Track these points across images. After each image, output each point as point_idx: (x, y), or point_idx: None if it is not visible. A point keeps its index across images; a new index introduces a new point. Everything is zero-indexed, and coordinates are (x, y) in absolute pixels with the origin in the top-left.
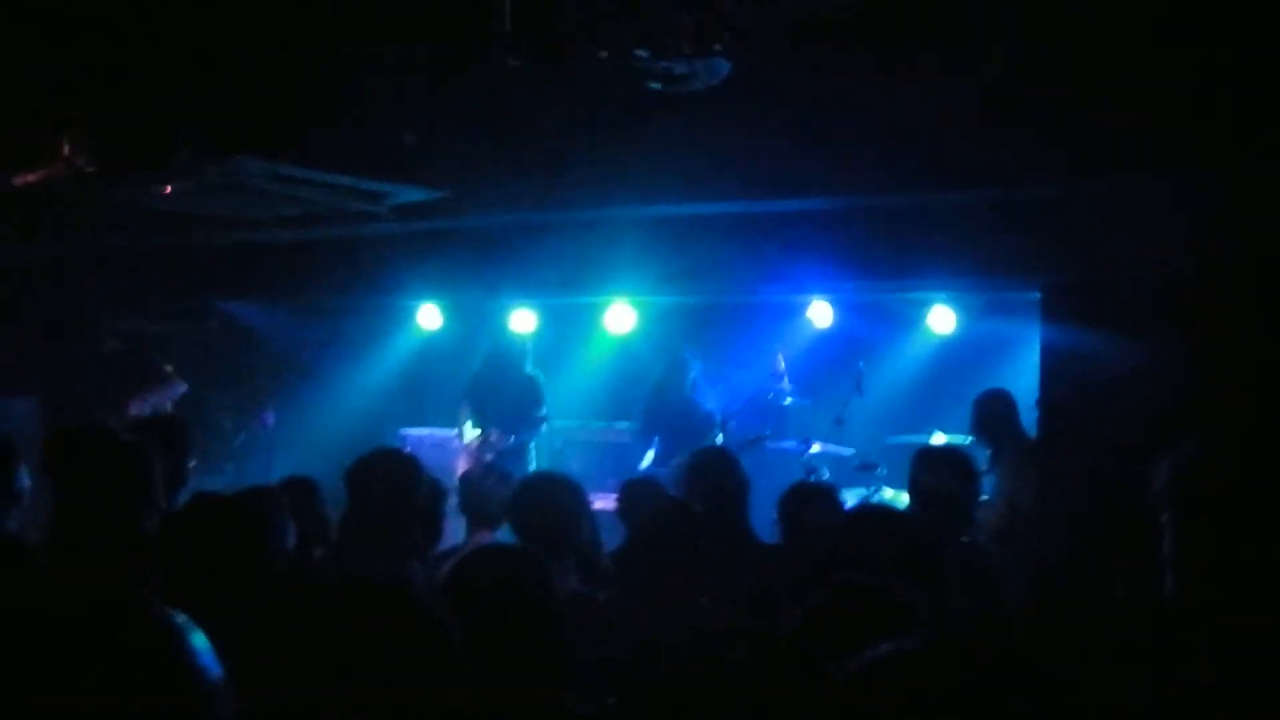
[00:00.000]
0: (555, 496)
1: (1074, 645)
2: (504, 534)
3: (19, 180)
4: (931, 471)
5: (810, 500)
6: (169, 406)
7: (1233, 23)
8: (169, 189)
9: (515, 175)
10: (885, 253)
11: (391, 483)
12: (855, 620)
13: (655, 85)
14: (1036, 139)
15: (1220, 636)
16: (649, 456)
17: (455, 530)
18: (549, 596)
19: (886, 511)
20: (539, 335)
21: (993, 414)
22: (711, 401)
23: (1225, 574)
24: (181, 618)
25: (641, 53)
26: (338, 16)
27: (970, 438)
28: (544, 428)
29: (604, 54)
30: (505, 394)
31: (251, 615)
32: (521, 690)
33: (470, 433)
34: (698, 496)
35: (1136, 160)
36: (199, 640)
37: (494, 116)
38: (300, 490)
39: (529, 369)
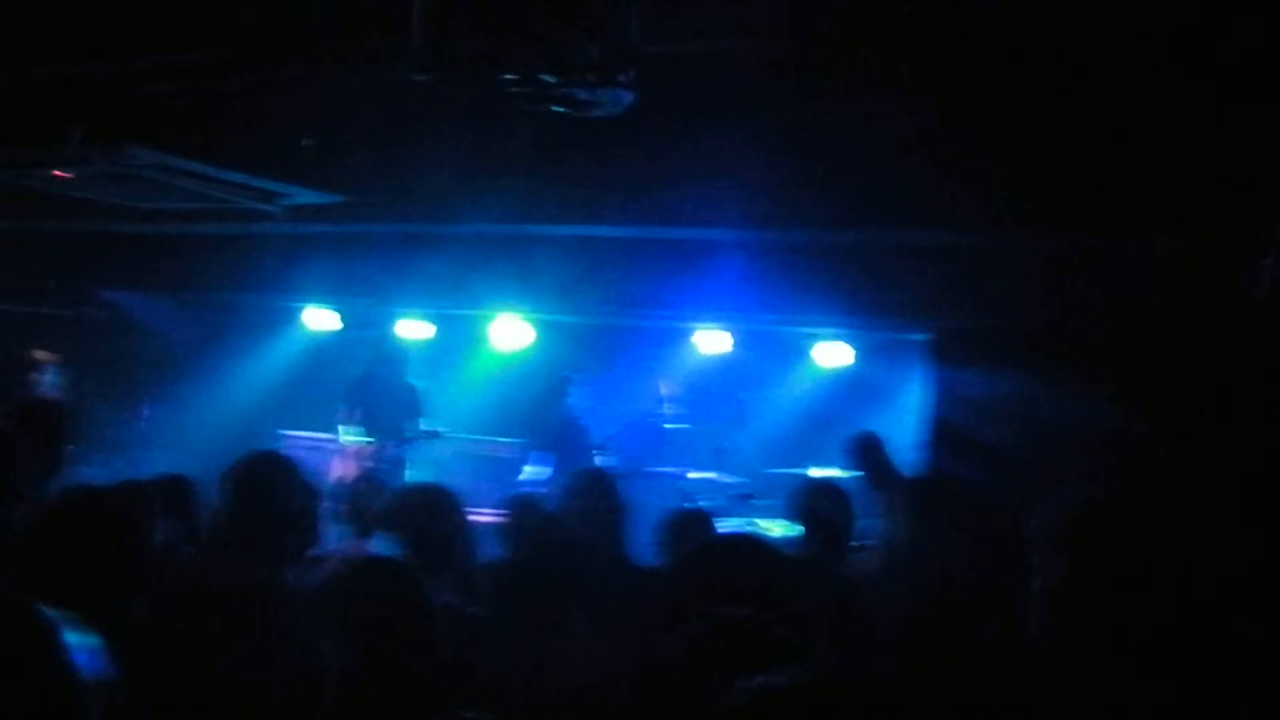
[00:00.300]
0: (434, 508)
1: (943, 689)
2: (377, 542)
3: None
4: (823, 501)
5: (689, 528)
6: (50, 390)
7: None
8: (58, 173)
9: (413, 185)
10: (781, 286)
11: (269, 486)
12: (732, 653)
13: (559, 109)
14: (941, 188)
15: (1088, 683)
16: (528, 470)
17: (326, 535)
18: (423, 606)
19: (759, 542)
20: (429, 345)
21: (871, 455)
22: (597, 423)
23: (1097, 617)
24: (54, 613)
25: (547, 78)
26: (244, 16)
27: (849, 474)
28: (427, 438)
29: (510, 76)
30: (384, 401)
31: (117, 613)
32: (392, 700)
33: (346, 436)
34: (576, 517)
35: (1029, 217)
36: (73, 638)
37: (396, 125)
38: (175, 488)
39: (408, 378)
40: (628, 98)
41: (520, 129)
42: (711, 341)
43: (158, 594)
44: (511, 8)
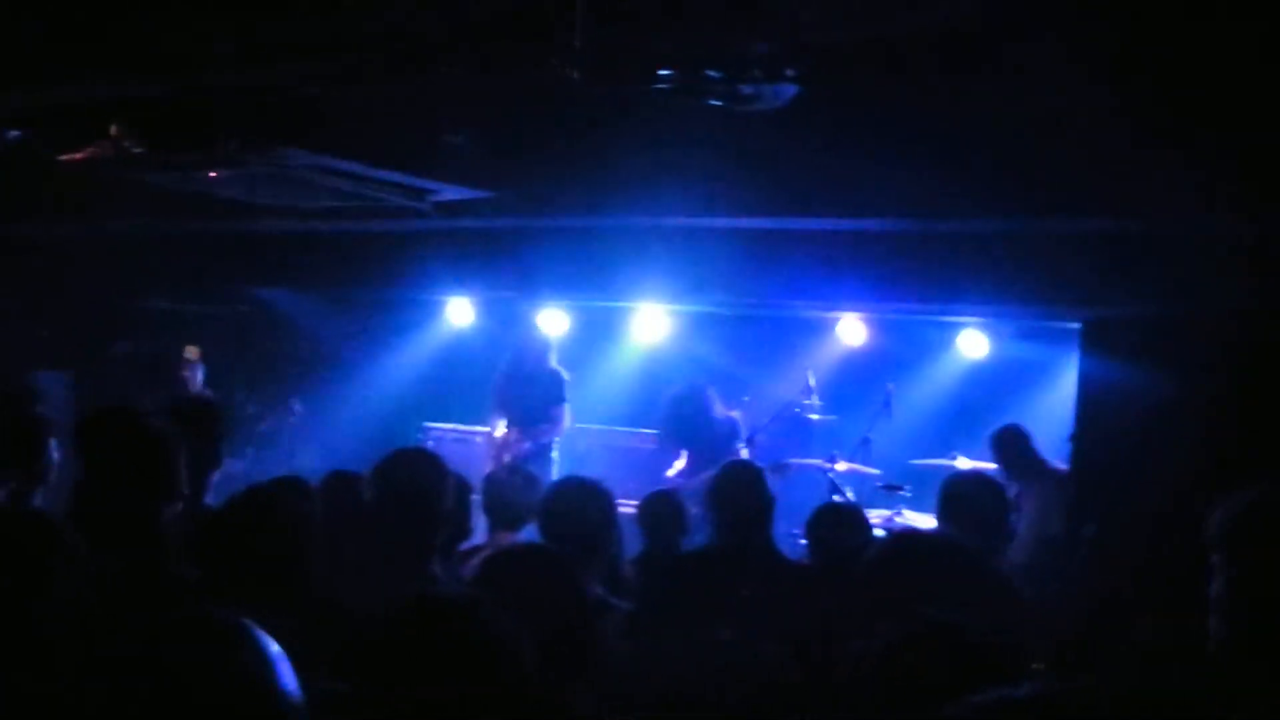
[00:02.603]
0: (587, 504)
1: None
2: (525, 535)
3: (65, 158)
4: (969, 494)
5: (840, 522)
6: (201, 388)
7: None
8: (214, 175)
9: (558, 179)
10: (924, 275)
11: (416, 482)
12: (934, 660)
13: (717, 103)
14: (1086, 174)
15: (1265, 682)
16: (677, 465)
17: (475, 527)
18: (580, 599)
19: (934, 538)
20: (568, 338)
21: (1013, 449)
22: (735, 415)
23: (1271, 620)
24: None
25: (712, 74)
26: (397, 23)
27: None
28: (566, 428)
29: (671, 73)
30: (528, 389)
31: (297, 620)
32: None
33: (500, 429)
34: (723, 513)
35: (1181, 202)
36: (274, 650)
37: (546, 123)
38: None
39: (552, 365)
40: (791, 91)
41: (669, 124)
42: (856, 331)
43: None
44: (674, 3)
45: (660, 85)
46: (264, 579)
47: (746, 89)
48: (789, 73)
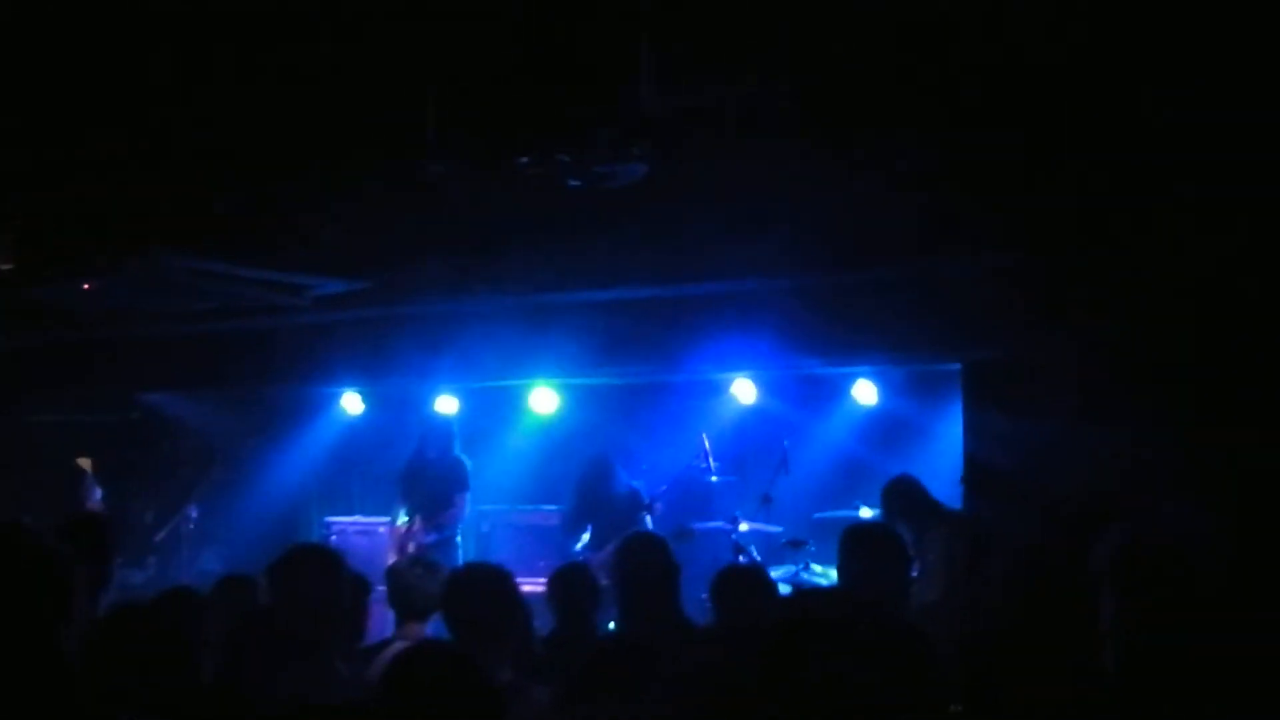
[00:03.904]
0: (488, 589)
1: None
2: (434, 625)
3: None
4: (866, 545)
5: (741, 584)
6: (96, 503)
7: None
8: (88, 285)
9: (439, 264)
10: (810, 330)
11: (313, 582)
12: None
13: (575, 183)
14: (956, 222)
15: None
16: (584, 539)
17: (382, 620)
18: (487, 693)
19: (830, 595)
20: (463, 419)
21: (906, 498)
22: (637, 484)
23: (1163, 650)
24: None
25: (563, 158)
26: (258, 122)
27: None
28: (468, 512)
29: (525, 160)
30: (431, 478)
31: None
32: None
33: (402, 520)
34: (628, 583)
35: (1043, 241)
36: None
37: (415, 210)
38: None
39: (454, 452)
40: (643, 169)
41: (536, 202)
42: (748, 391)
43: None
44: (521, 93)
45: (516, 172)
46: (151, 692)
47: (600, 168)
48: (636, 151)
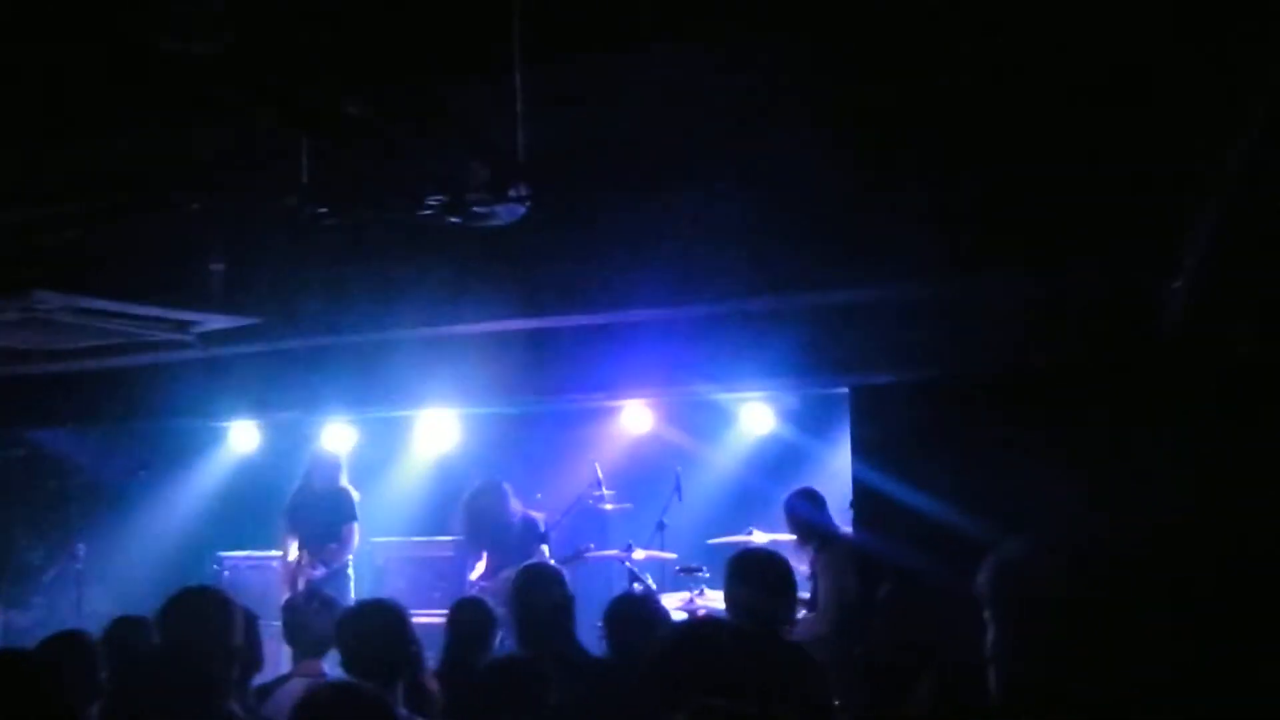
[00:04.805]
0: (380, 625)
1: None
2: (331, 660)
3: None
4: (752, 571)
5: (632, 612)
6: None
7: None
8: None
9: (322, 301)
10: (700, 357)
11: (204, 622)
12: None
13: (455, 220)
14: (836, 249)
15: None
16: (479, 568)
17: (277, 656)
18: None
19: (716, 625)
20: (355, 451)
21: (803, 515)
22: (534, 514)
23: (1046, 673)
24: None
25: (437, 200)
26: (137, 159)
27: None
28: (358, 544)
29: (399, 201)
30: (317, 510)
31: None
32: None
33: (293, 553)
34: (524, 615)
35: (930, 267)
36: None
37: (299, 246)
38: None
39: (341, 483)
40: (521, 210)
41: (421, 239)
42: (641, 418)
43: None
44: (395, 135)
45: (388, 211)
46: None
47: (479, 209)
48: (512, 193)
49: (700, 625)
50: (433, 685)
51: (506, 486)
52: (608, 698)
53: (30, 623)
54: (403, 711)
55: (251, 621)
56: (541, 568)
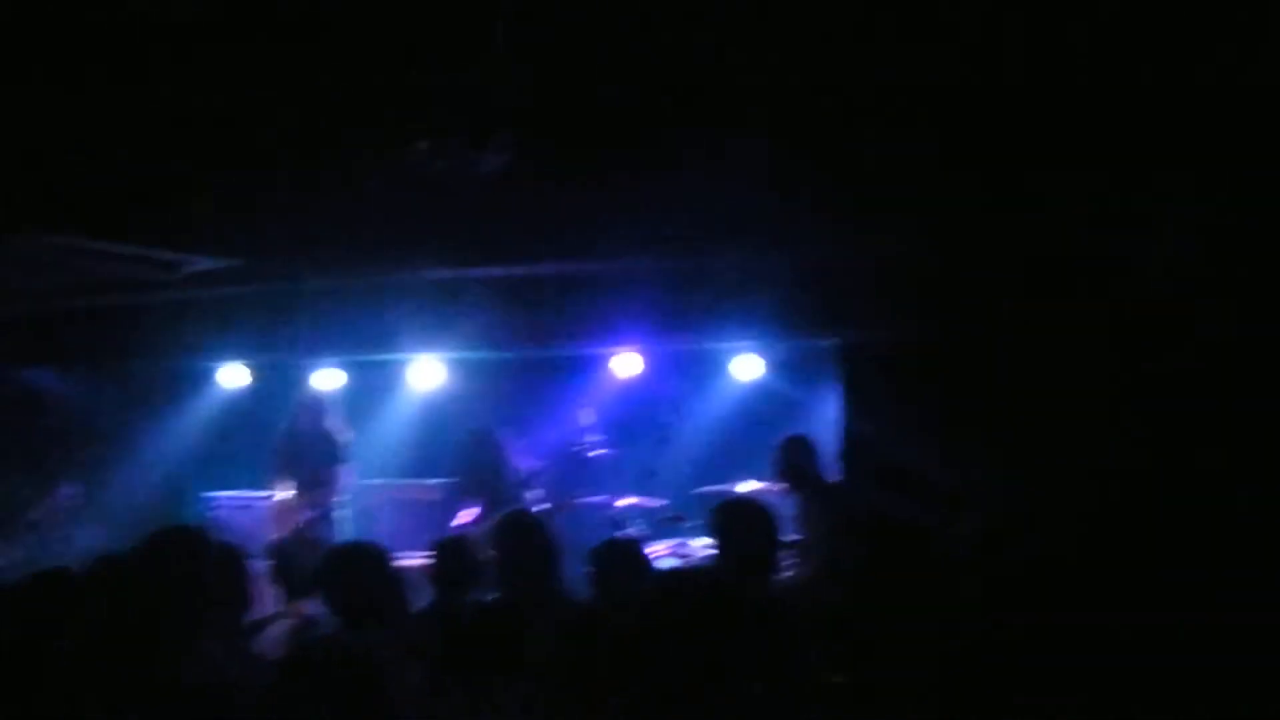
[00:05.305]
0: (363, 568)
1: None
2: (313, 604)
3: None
4: (736, 520)
5: (615, 558)
6: None
7: None
8: None
9: (311, 243)
10: (690, 308)
11: (176, 562)
12: None
13: (444, 166)
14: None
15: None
16: (467, 513)
17: (264, 596)
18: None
19: (691, 577)
20: (346, 394)
21: (790, 460)
22: (521, 459)
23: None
24: None
25: (422, 146)
26: (124, 98)
27: (778, 485)
28: (346, 488)
29: (385, 149)
30: (305, 452)
31: None
32: None
33: (281, 493)
34: (507, 560)
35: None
36: None
37: (290, 186)
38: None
39: (327, 425)
40: (507, 158)
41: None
42: (628, 366)
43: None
44: (383, 81)
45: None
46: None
47: (464, 156)
48: (495, 143)
49: (684, 575)
50: (416, 627)
51: (496, 434)
52: (587, 645)
53: (20, 559)
54: (385, 654)
55: (240, 560)
56: (522, 514)
